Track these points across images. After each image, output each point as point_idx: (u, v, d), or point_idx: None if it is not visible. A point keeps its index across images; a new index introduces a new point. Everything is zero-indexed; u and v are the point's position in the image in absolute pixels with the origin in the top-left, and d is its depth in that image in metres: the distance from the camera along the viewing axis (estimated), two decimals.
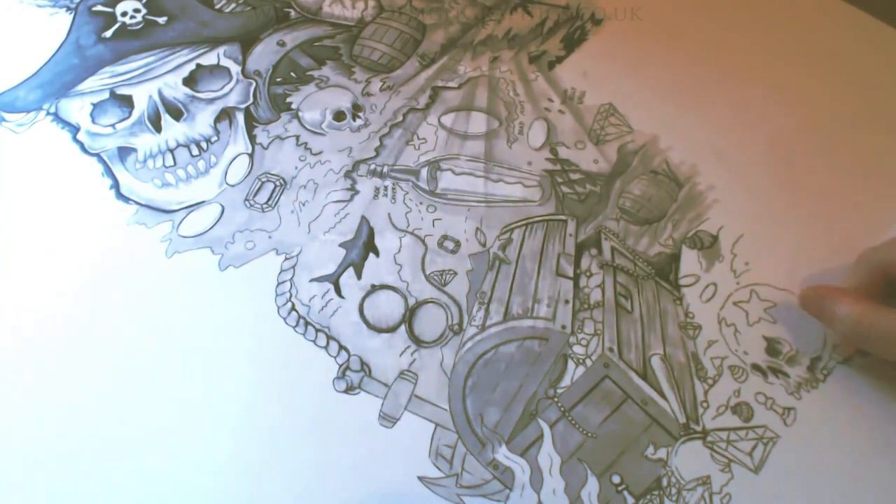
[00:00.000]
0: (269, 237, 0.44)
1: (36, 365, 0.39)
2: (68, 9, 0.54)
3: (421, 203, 0.45)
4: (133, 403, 0.38)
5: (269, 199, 0.45)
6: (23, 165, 0.46)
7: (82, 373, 0.39)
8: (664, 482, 0.36)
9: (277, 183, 0.46)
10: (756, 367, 0.39)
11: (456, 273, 0.42)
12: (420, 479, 0.36)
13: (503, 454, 0.37)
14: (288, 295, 0.42)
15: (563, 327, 0.40)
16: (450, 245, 0.43)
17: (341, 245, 0.43)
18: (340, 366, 0.39)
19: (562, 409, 0.38)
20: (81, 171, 0.46)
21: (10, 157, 0.46)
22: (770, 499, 0.36)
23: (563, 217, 0.45)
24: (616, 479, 0.36)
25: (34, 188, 0.45)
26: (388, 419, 0.38)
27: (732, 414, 0.38)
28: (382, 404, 0.38)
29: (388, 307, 0.41)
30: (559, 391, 0.38)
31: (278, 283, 0.42)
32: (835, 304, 0.37)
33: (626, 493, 0.36)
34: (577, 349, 0.40)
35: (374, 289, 0.42)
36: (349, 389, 0.38)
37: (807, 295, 0.39)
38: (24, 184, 0.45)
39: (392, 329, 0.41)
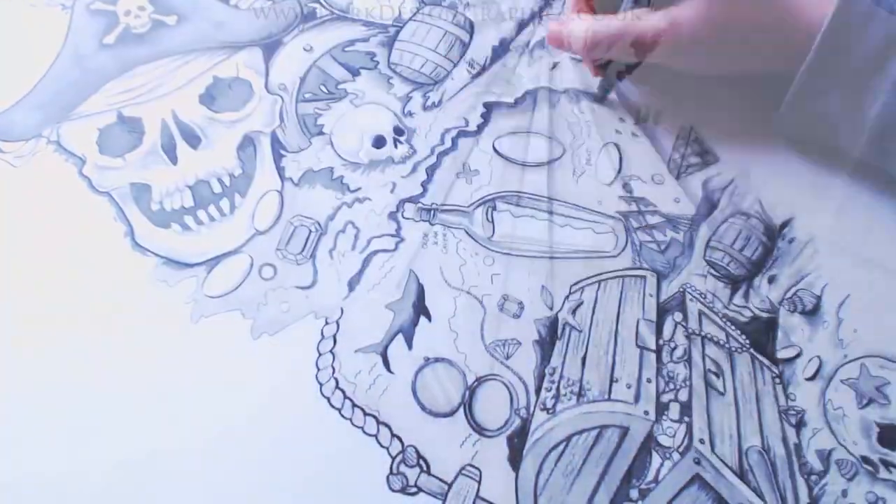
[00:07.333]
0: (306, 297, 0.39)
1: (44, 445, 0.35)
2: (63, 7, 0.47)
3: (476, 254, 0.40)
4: (162, 497, 0.34)
5: (303, 249, 0.40)
6: (24, 205, 0.40)
7: (98, 458, 0.34)
8: None
9: (312, 228, 0.40)
10: (866, 461, 0.35)
11: (520, 343, 0.37)
12: None
13: None
14: (331, 370, 0.37)
15: (646, 413, 0.35)
16: (512, 308, 0.38)
17: (388, 307, 0.38)
18: (394, 458, 0.35)
19: None
20: (91, 214, 0.40)
21: (8, 194, 0.41)
22: None
23: (641, 272, 0.39)
24: None
25: (38, 234, 0.40)
26: None
27: None
28: None
29: (444, 385, 0.36)
30: (642, 490, 0.34)
31: (319, 355, 0.37)
32: (569, 28, 0.41)
33: None
34: (663, 440, 0.35)
35: (427, 362, 0.37)
36: (405, 489, 0.34)
37: (551, 31, 0.42)
38: (26, 228, 0.40)
39: (450, 413, 0.36)
